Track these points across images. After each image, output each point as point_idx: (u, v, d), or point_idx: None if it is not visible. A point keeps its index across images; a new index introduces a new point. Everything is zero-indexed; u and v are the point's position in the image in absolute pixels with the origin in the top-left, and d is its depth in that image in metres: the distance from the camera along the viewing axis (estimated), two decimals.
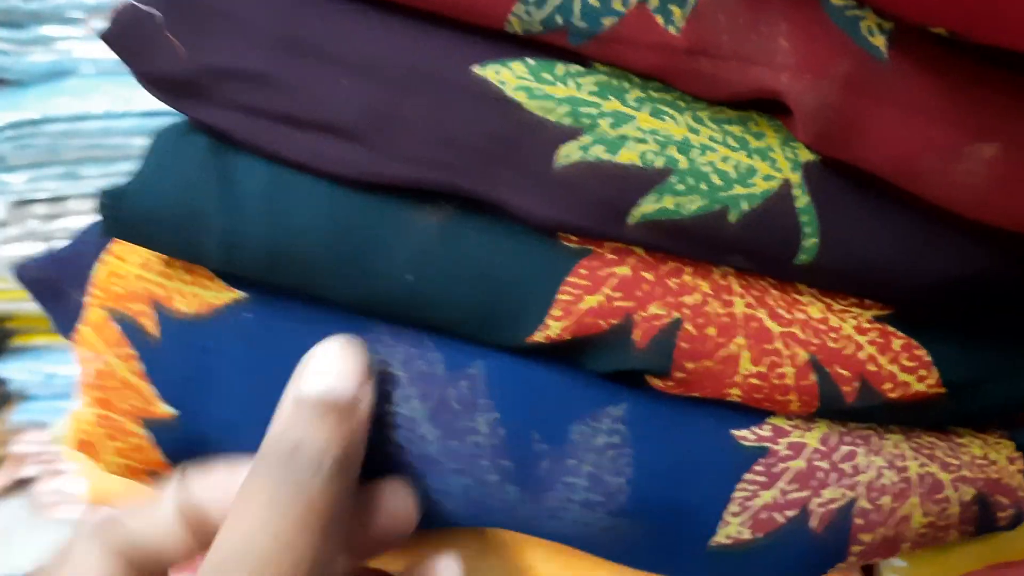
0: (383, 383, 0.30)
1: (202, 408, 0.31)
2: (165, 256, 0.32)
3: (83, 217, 0.90)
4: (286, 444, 0.27)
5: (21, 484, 1.12)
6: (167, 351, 0.31)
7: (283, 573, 0.25)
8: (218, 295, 0.31)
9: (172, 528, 0.29)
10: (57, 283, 0.34)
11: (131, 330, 0.31)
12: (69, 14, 0.84)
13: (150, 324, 0.31)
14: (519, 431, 0.30)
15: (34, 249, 0.92)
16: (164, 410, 0.31)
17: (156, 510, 0.29)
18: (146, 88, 0.29)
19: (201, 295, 0.31)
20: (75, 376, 0.32)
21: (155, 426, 0.31)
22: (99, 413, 0.31)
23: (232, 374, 0.30)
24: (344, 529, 0.28)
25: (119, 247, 0.32)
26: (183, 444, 0.31)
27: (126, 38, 0.28)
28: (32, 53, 0.86)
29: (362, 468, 0.29)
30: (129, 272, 0.31)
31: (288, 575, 0.25)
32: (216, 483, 0.29)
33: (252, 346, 0.30)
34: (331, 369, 0.29)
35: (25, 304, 0.97)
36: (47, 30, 0.85)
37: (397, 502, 0.30)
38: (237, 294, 0.31)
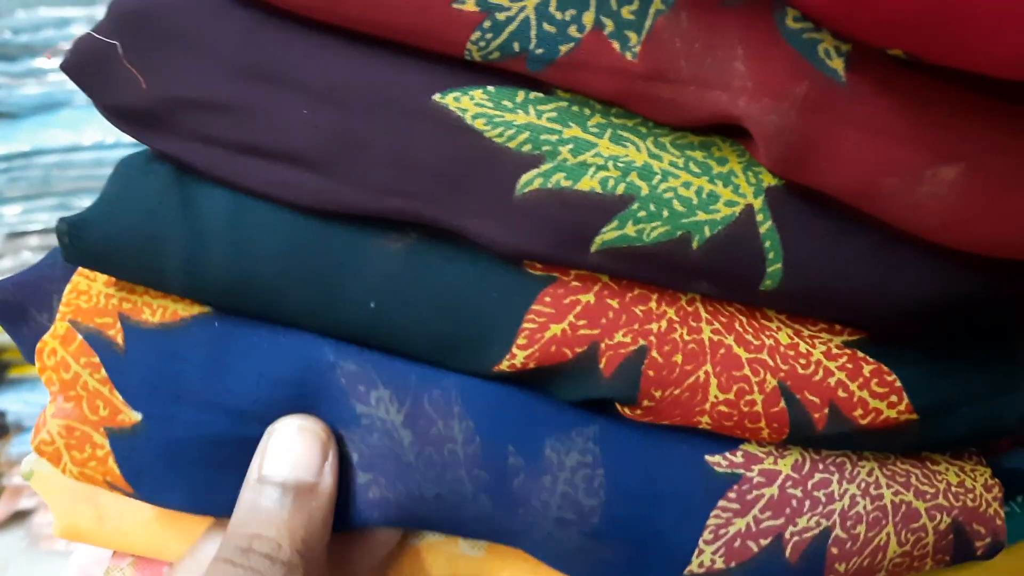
0: (358, 383, 0.30)
1: (167, 412, 0.30)
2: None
3: None
4: (243, 538, 0.28)
5: (19, 516, 1.11)
6: (133, 360, 0.30)
7: None
8: (187, 307, 0.31)
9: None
10: (21, 306, 0.34)
11: (96, 341, 0.31)
12: (61, 46, 0.85)
13: (116, 336, 0.31)
14: (494, 442, 0.29)
15: None
16: (130, 416, 0.30)
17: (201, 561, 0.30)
18: (108, 119, 0.29)
19: (170, 307, 0.31)
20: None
21: (117, 436, 0.31)
22: (65, 424, 0.31)
23: (198, 379, 0.30)
24: None
25: (84, 271, 0.32)
26: (141, 456, 0.31)
27: (86, 68, 0.28)
28: (25, 86, 0.87)
29: (343, 465, 0.30)
30: (94, 288, 0.31)
31: None
32: None
33: (219, 352, 0.30)
34: (290, 451, 0.29)
35: None
36: (39, 63, 0.86)
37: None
38: (205, 308, 0.31)
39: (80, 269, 0.32)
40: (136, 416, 0.30)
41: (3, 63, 0.87)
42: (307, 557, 0.28)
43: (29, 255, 0.90)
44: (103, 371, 0.31)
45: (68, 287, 0.32)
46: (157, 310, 0.31)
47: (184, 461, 0.31)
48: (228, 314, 0.31)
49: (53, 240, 0.90)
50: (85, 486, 0.34)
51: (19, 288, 0.34)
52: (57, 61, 0.85)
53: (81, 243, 0.29)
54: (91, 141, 0.84)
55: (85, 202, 0.88)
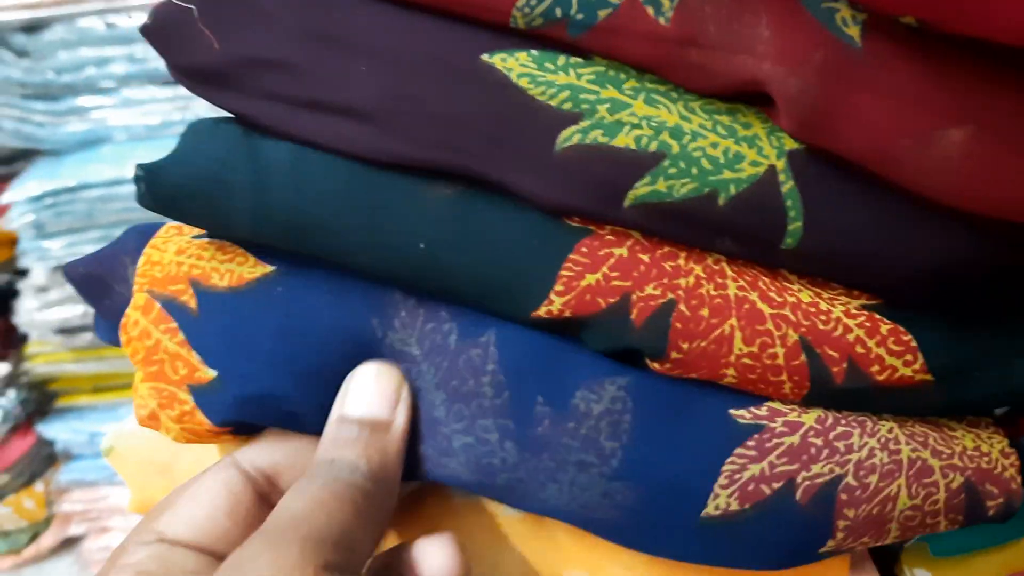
0: (400, 360, 0.32)
1: (240, 370, 0.33)
2: (199, 243, 0.34)
3: None
4: (326, 458, 0.31)
5: (69, 543, 1.13)
6: (206, 322, 0.33)
7: (333, 545, 0.27)
8: (251, 269, 0.34)
9: (225, 503, 0.32)
10: (102, 280, 0.36)
11: (172, 307, 0.33)
12: (102, 84, 0.89)
13: (189, 300, 0.33)
14: (523, 393, 0.31)
15: (73, 313, 0.95)
16: (207, 373, 0.33)
17: (202, 494, 0.32)
18: (179, 79, 0.32)
19: (235, 270, 0.33)
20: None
21: (199, 391, 0.33)
22: (153, 386, 0.33)
23: (265, 339, 0.33)
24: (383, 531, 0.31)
25: (157, 240, 0.35)
26: (224, 406, 0.33)
27: (164, 32, 0.31)
28: (67, 123, 0.90)
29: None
30: (166, 258, 0.34)
31: (333, 550, 0.27)
32: (273, 450, 0.34)
33: (283, 314, 0.33)
34: (369, 392, 0.32)
35: (68, 366, 0.99)
36: (81, 101, 0.89)
37: (435, 559, 0.32)
38: (268, 268, 0.34)
39: (152, 242, 0.35)
40: (212, 373, 0.33)
41: (46, 103, 0.90)
42: (381, 484, 0.31)
43: (74, 288, 0.93)
44: (180, 334, 0.33)
45: (141, 259, 0.35)
46: (224, 275, 0.33)
47: (262, 415, 0.33)
48: (290, 272, 0.34)
49: None
50: (160, 460, 0.36)
51: (99, 262, 0.37)
52: (110, 99, 0.89)
53: (156, 187, 0.32)
54: (134, 174, 0.87)
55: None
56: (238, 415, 0.33)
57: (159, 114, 0.89)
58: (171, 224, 0.36)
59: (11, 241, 1.04)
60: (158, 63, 0.86)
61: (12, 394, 1.05)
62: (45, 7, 0.85)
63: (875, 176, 0.29)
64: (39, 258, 0.92)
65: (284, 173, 0.32)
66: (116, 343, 0.37)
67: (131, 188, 0.88)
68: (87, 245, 0.91)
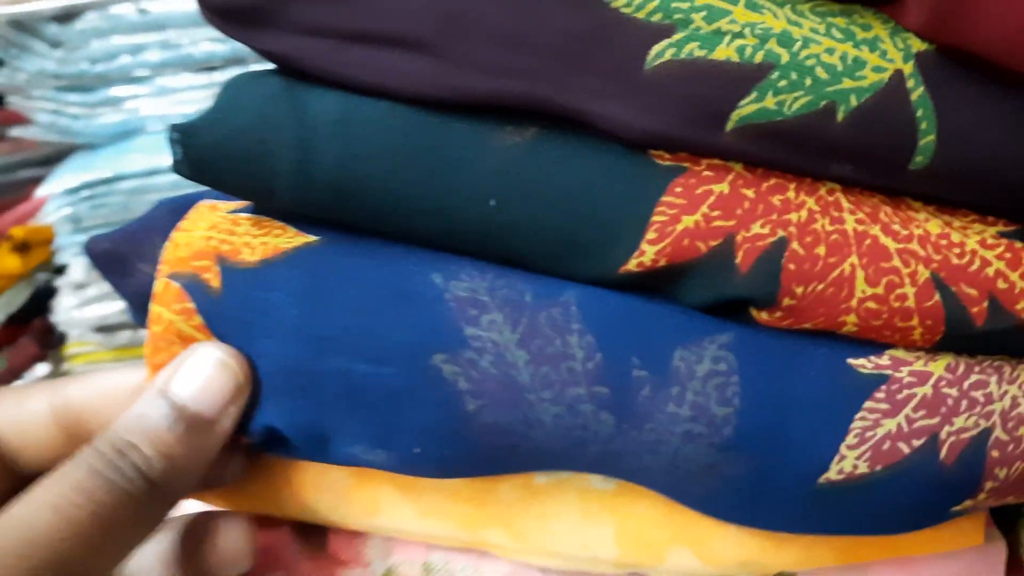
0: (469, 307, 0.28)
1: (256, 350, 0.29)
2: (233, 217, 0.31)
3: None
4: (122, 440, 0.27)
5: None
6: (228, 301, 0.29)
7: (54, 561, 0.24)
8: (289, 240, 0.30)
9: (42, 427, 0.29)
10: (126, 257, 0.33)
11: (192, 287, 0.29)
12: (135, 73, 0.86)
13: (213, 278, 0.29)
14: (617, 356, 0.27)
15: (112, 309, 0.93)
16: None
17: (24, 407, 0.29)
18: (211, 20, 0.28)
19: (270, 242, 0.30)
20: None
21: None
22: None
23: (292, 308, 0.29)
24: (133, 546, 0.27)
25: (187, 221, 0.31)
26: None
27: None
28: (102, 115, 0.87)
29: (447, 395, 0.28)
30: (195, 237, 0.30)
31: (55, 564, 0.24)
32: (95, 389, 0.30)
33: (316, 280, 0.29)
34: (203, 377, 0.28)
35: (108, 366, 0.97)
36: (115, 91, 0.87)
37: (230, 538, 0.31)
38: (309, 238, 0.30)
39: (182, 224, 0.32)
40: None
41: (80, 94, 0.88)
42: (165, 495, 0.27)
43: (93, 265, 0.90)
44: (198, 316, 0.29)
45: (167, 243, 0.31)
46: (257, 248, 0.30)
47: (276, 396, 0.29)
48: (335, 241, 0.30)
49: None
50: None
51: (124, 239, 0.34)
52: (145, 88, 0.86)
53: (192, 149, 0.28)
54: (168, 135, 0.84)
55: None
56: (252, 404, 0.29)
57: (194, 102, 0.86)
58: (205, 202, 0.33)
59: (48, 241, 1.02)
60: (192, 49, 0.84)
61: None
62: None
63: (1017, 78, 0.25)
64: (76, 253, 0.89)
65: (332, 127, 0.28)
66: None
67: (167, 178, 0.85)
68: None
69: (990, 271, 0.27)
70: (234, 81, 0.30)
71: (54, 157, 0.95)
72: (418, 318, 0.28)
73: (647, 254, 0.27)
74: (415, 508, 0.32)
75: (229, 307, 0.29)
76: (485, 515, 0.32)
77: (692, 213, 0.27)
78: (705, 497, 0.28)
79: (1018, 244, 0.27)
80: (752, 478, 0.28)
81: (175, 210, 0.32)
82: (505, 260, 0.29)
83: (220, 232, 0.30)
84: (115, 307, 0.92)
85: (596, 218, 0.27)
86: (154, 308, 0.29)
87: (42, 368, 1.02)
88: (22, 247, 1.00)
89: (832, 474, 0.27)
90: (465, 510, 0.32)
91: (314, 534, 0.34)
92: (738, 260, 0.27)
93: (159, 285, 0.30)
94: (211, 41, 0.84)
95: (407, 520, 0.32)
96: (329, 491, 0.32)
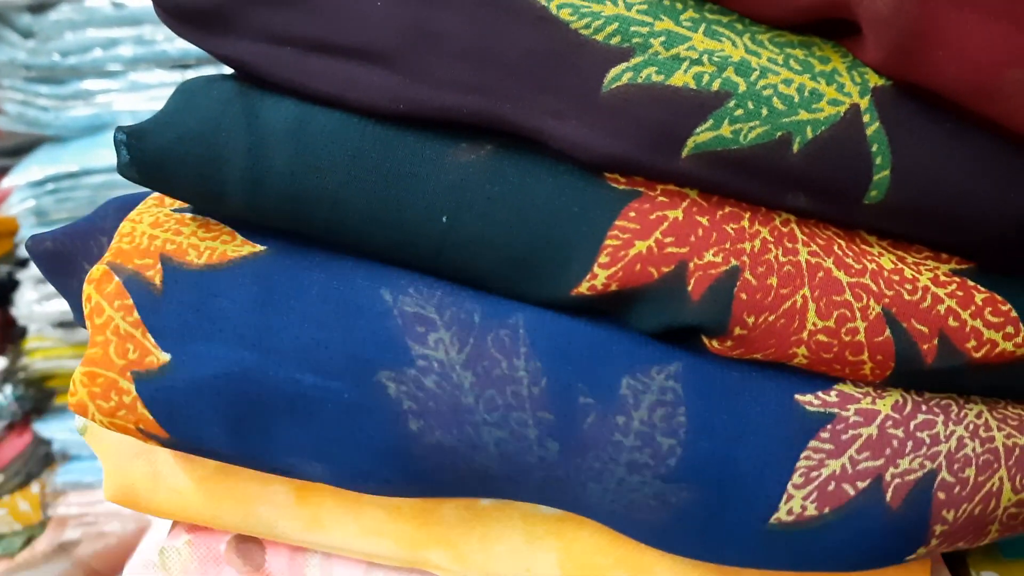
0: (416, 324, 0.27)
1: (198, 351, 0.28)
2: (180, 216, 0.30)
3: None
4: None
5: (64, 547, 1.09)
6: (169, 300, 0.29)
7: None
8: (237, 248, 0.29)
9: None
10: (70, 256, 0.32)
11: (132, 284, 0.29)
12: (108, 68, 0.85)
13: (155, 277, 0.29)
14: (563, 382, 0.27)
15: None
16: (158, 357, 0.28)
17: None
18: (167, 22, 0.28)
19: (218, 248, 0.29)
20: None
21: (144, 378, 0.29)
22: (89, 371, 0.29)
23: (237, 317, 0.28)
24: None
25: (135, 213, 0.31)
26: (171, 394, 0.29)
27: None
28: (72, 108, 0.86)
29: (391, 414, 0.27)
30: (139, 229, 0.30)
31: None
32: None
33: (265, 292, 0.28)
34: None
35: (67, 362, 0.96)
36: (87, 85, 0.86)
37: None
38: (257, 247, 0.29)
39: (129, 215, 0.31)
40: (165, 357, 0.28)
41: (51, 86, 0.87)
42: None
43: (36, 265, 0.89)
44: (135, 313, 0.29)
45: (116, 234, 0.30)
46: (204, 252, 0.29)
47: (216, 398, 0.28)
48: (283, 251, 0.29)
49: None
50: (138, 443, 0.32)
51: (68, 238, 0.33)
52: (117, 83, 0.85)
53: (140, 152, 0.28)
54: (115, 138, 0.83)
55: None
56: (186, 405, 0.29)
57: (165, 100, 0.85)
58: (154, 196, 0.32)
59: (11, 232, 1.00)
60: (167, 46, 0.83)
61: (8, 390, 1.01)
62: None
63: (973, 116, 0.25)
64: None
65: (285, 136, 0.27)
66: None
67: None
68: None
69: (941, 308, 0.27)
70: (187, 85, 0.29)
71: (20, 149, 0.94)
72: (366, 333, 0.28)
73: (599, 278, 0.27)
74: (357, 526, 0.31)
75: (170, 307, 0.28)
76: (428, 535, 0.31)
77: (645, 238, 0.27)
78: (652, 529, 0.28)
79: (970, 282, 0.27)
80: (700, 512, 0.27)
81: (122, 209, 0.32)
82: (456, 278, 0.28)
83: (166, 231, 0.29)
84: None
85: (549, 239, 0.27)
86: (92, 294, 0.29)
87: (0, 362, 1.01)
88: None
89: (783, 515, 0.27)
90: (407, 529, 0.31)
91: (252, 552, 0.34)
92: (690, 288, 0.27)
93: (98, 271, 0.29)
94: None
95: (349, 538, 0.32)
96: (270, 504, 0.32)
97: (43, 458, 1.07)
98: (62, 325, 0.93)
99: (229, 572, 0.33)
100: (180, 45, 0.84)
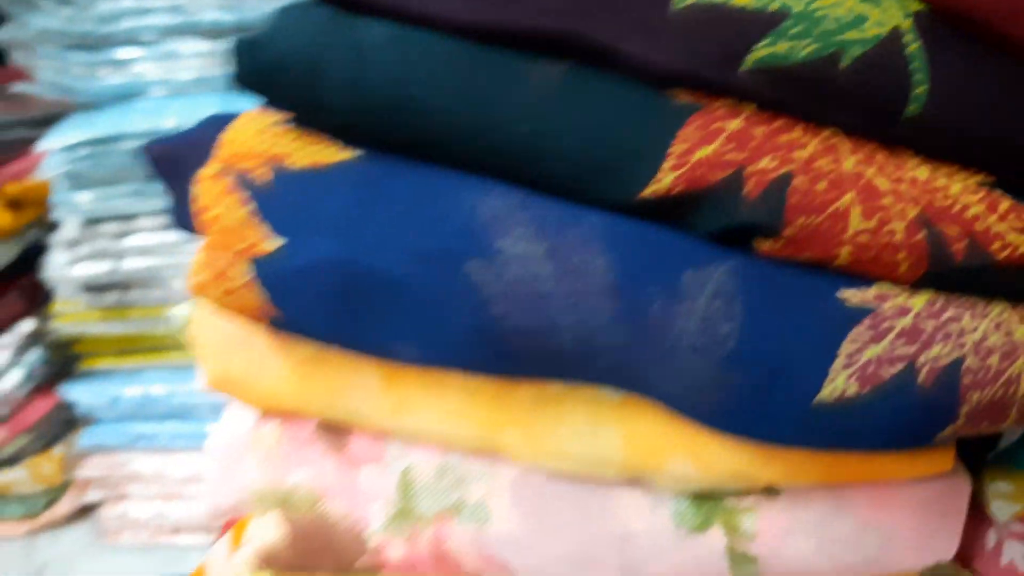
0: (500, 221, 0.31)
1: (309, 240, 0.32)
2: (282, 128, 0.33)
3: (153, 235, 0.92)
4: None
5: (86, 510, 1.11)
6: (278, 194, 0.32)
7: None
8: (335, 154, 0.32)
9: None
10: (182, 159, 0.35)
11: (244, 180, 0.32)
12: (142, 37, 0.87)
13: (265, 174, 0.32)
14: (632, 274, 0.30)
15: (101, 269, 0.94)
16: (271, 243, 0.32)
17: None
18: None
19: (317, 154, 0.32)
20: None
21: (261, 262, 0.32)
22: (210, 254, 0.32)
23: (339, 214, 0.32)
24: None
25: (238, 122, 0.34)
26: (286, 276, 0.32)
27: None
28: (105, 76, 0.89)
29: (476, 299, 0.30)
30: (246, 137, 0.33)
31: None
32: None
33: (365, 189, 0.32)
34: None
35: (92, 326, 0.98)
36: (120, 53, 0.88)
37: None
38: (353, 153, 0.32)
39: (233, 123, 0.34)
40: (278, 241, 0.32)
41: (84, 53, 0.89)
42: None
43: (105, 242, 0.91)
44: (248, 204, 0.32)
45: (220, 139, 0.34)
46: (305, 155, 0.33)
47: (323, 281, 0.32)
48: (376, 158, 0.32)
49: (131, 226, 0.92)
50: (239, 333, 0.35)
51: (181, 143, 0.36)
52: (150, 51, 0.88)
53: (253, 61, 0.31)
54: (172, 126, 0.86)
55: (161, 188, 0.90)
56: (296, 286, 0.32)
57: (197, 69, 0.88)
58: (252, 111, 0.35)
59: (40, 201, 1.03)
60: (200, 15, 0.85)
61: (36, 353, 1.03)
62: None
63: (1004, 39, 0.28)
64: (71, 211, 0.91)
65: (381, 48, 0.31)
66: (189, 230, 0.36)
67: None
68: (119, 199, 0.90)
69: (969, 214, 0.30)
70: (286, 8, 0.32)
71: (51, 118, 0.96)
72: (454, 228, 0.31)
73: (664, 181, 0.30)
74: (438, 409, 0.35)
75: (279, 200, 0.32)
76: (502, 417, 0.35)
77: (707, 145, 0.30)
78: (709, 410, 0.31)
79: (995, 193, 0.30)
80: (752, 393, 0.30)
81: (223, 123, 0.35)
82: (535, 185, 0.31)
83: (270, 138, 0.33)
84: (105, 267, 0.93)
85: (619, 148, 0.30)
86: (208, 188, 0.32)
87: (27, 324, 1.03)
88: (14, 204, 1.01)
89: (826, 395, 0.30)
90: (484, 412, 0.34)
91: (337, 435, 0.37)
92: (746, 190, 0.30)
93: (212, 168, 0.32)
94: (218, 8, 0.85)
95: (430, 421, 0.35)
96: (358, 389, 0.35)
97: (67, 421, 1.09)
98: (90, 289, 0.95)
99: (316, 452, 0.36)
100: (212, 15, 0.86)
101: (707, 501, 0.35)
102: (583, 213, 0.31)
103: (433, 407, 0.35)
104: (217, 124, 0.35)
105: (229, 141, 0.33)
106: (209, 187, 0.32)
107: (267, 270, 0.32)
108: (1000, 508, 0.39)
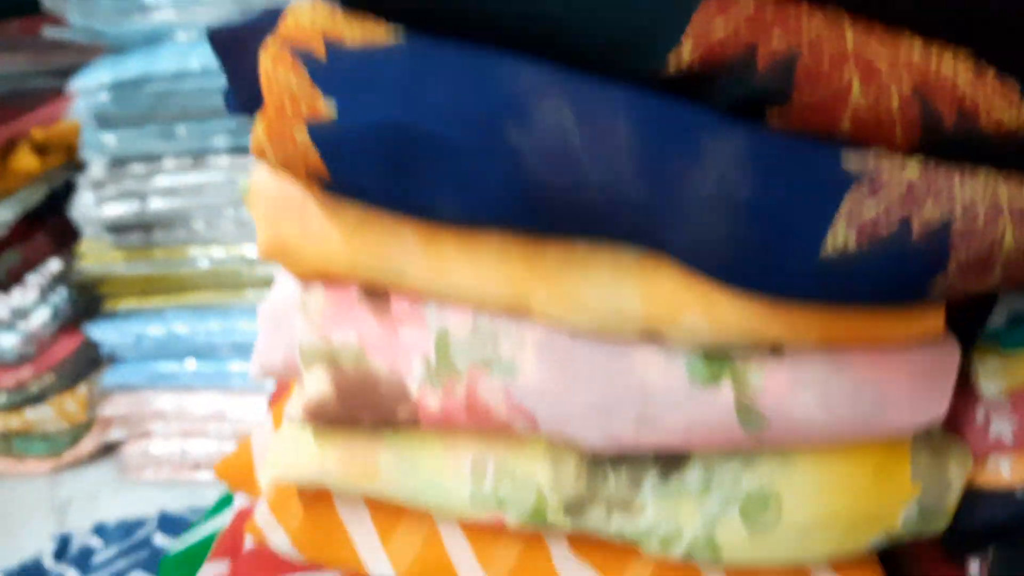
0: (534, 90, 0.34)
1: (362, 101, 0.35)
2: (333, 11, 0.37)
3: (178, 175, 0.95)
4: None
5: (109, 449, 1.14)
6: (334, 66, 0.36)
7: None
8: (383, 33, 0.36)
9: None
10: (244, 42, 0.39)
11: (301, 54, 0.35)
12: None
13: (319, 48, 0.35)
14: (653, 137, 0.34)
15: (127, 210, 0.97)
16: (327, 109, 0.35)
17: None
18: None
19: (367, 31, 0.36)
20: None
21: (316, 127, 0.35)
22: (269, 123, 0.35)
23: (392, 80, 0.35)
24: None
25: (296, 7, 0.37)
26: (341, 138, 0.35)
27: None
28: (133, 20, 0.91)
29: (514, 158, 0.34)
30: (300, 21, 0.36)
31: None
32: None
33: (414, 60, 0.35)
34: None
35: (117, 266, 1.01)
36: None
37: None
38: (401, 33, 0.36)
39: (291, 8, 0.37)
40: (333, 103, 0.35)
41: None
42: None
43: (131, 182, 0.95)
44: (305, 73, 0.35)
45: (280, 24, 0.37)
46: (356, 34, 0.36)
47: (374, 143, 0.35)
48: (420, 38, 0.36)
49: (157, 167, 0.95)
50: (292, 201, 0.39)
51: (243, 28, 0.39)
52: None
53: None
54: (196, 67, 0.89)
55: (185, 130, 0.93)
56: (349, 149, 0.35)
57: (222, 14, 0.91)
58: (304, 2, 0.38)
59: (67, 145, 1.06)
60: None
61: (62, 293, 1.07)
62: None
63: None
64: (98, 151, 0.94)
65: None
66: (242, 111, 0.40)
67: (193, 83, 0.90)
68: (146, 139, 0.93)
69: (959, 88, 0.33)
70: None
71: (77, 67, 0.99)
72: (495, 95, 0.34)
73: (684, 55, 0.33)
74: (474, 269, 0.38)
75: (335, 71, 0.35)
76: (533, 275, 0.38)
77: (722, 25, 0.33)
78: (722, 264, 0.34)
79: (981, 67, 0.33)
80: (762, 248, 0.34)
81: (279, 13, 0.38)
82: (565, 59, 0.35)
83: (323, 19, 0.36)
84: (130, 207, 0.97)
85: (643, 28, 0.33)
86: (267, 64, 0.35)
87: (55, 264, 1.06)
88: (41, 149, 1.04)
89: (829, 248, 0.33)
90: (516, 272, 0.38)
91: (379, 299, 0.40)
92: (759, 64, 0.33)
93: (272, 48, 0.36)
94: None
95: (466, 279, 0.38)
96: (401, 250, 0.38)
97: (91, 360, 1.12)
98: (115, 229, 0.98)
99: (359, 312, 0.40)
100: None
101: (718, 357, 0.38)
102: (609, 86, 0.34)
103: (468, 267, 0.38)
104: (275, 14, 0.38)
105: (288, 24, 0.36)
106: (270, 58, 0.35)
107: (322, 132, 0.35)
108: (988, 385, 0.42)
